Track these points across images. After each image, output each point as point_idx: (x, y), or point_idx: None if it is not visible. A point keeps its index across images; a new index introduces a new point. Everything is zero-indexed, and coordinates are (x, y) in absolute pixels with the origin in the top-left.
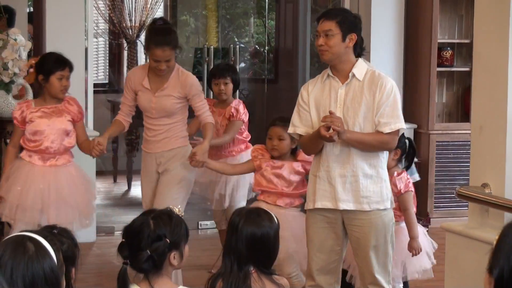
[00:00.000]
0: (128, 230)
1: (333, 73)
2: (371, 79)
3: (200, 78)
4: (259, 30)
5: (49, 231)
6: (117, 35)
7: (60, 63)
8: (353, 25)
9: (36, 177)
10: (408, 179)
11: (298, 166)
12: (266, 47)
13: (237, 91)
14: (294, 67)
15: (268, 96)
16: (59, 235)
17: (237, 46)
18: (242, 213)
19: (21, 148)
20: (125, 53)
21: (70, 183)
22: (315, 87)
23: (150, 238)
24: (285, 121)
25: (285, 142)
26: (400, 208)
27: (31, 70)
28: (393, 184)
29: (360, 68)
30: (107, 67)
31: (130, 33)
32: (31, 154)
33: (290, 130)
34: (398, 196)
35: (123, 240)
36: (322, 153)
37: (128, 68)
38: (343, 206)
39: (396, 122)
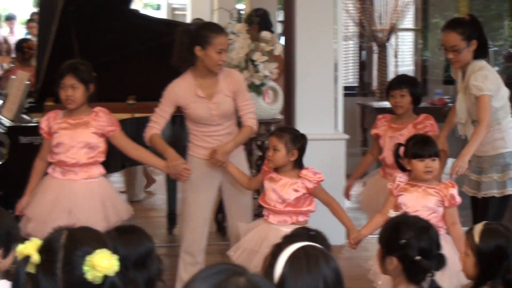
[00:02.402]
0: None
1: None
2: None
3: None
4: None
5: (306, 233)
6: (367, 38)
7: (60, 71)
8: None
9: (51, 190)
10: None
11: (296, 183)
12: None
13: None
14: None
15: None
16: (315, 237)
17: (491, 50)
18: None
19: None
20: (375, 57)
21: (88, 199)
22: None
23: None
24: (282, 131)
25: (280, 154)
26: (445, 220)
27: None
28: (450, 197)
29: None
30: (357, 70)
31: (380, 36)
32: (54, 167)
33: None
34: (448, 209)
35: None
36: None
37: (379, 71)
38: None
39: None
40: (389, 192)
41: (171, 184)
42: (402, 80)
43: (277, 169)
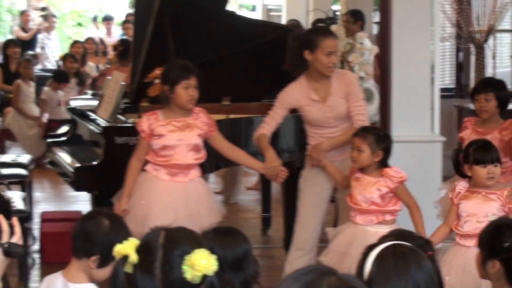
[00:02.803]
0: None
1: None
2: None
3: None
4: None
5: (410, 236)
6: (464, 39)
7: (185, 71)
8: None
9: (162, 192)
10: None
11: (379, 182)
12: None
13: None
14: None
15: None
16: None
17: None
18: None
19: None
20: (472, 58)
21: (198, 199)
22: None
23: None
24: (365, 132)
25: (364, 154)
26: None
27: (157, 81)
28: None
29: None
30: (454, 72)
31: (478, 38)
32: (158, 168)
33: None
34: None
35: None
36: None
37: (476, 73)
38: None
39: None
40: (451, 202)
41: (266, 185)
42: (487, 83)
43: (362, 169)
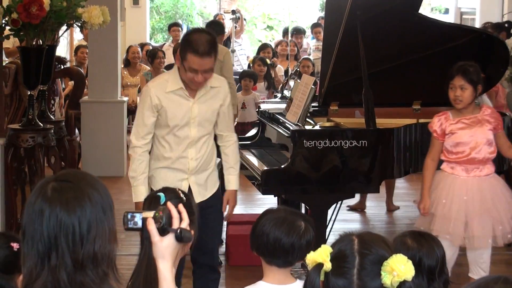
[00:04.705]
0: None
1: None
2: None
3: None
4: None
5: None
6: None
7: (451, 72)
8: None
9: (460, 189)
10: None
11: None
12: None
13: None
14: None
15: None
16: None
17: None
18: None
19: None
20: None
21: (493, 194)
22: None
23: None
24: None
25: None
26: None
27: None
28: None
29: None
30: None
31: None
32: (454, 165)
33: None
34: None
35: None
36: None
37: None
38: None
39: None
40: None
41: None
42: None
43: None
